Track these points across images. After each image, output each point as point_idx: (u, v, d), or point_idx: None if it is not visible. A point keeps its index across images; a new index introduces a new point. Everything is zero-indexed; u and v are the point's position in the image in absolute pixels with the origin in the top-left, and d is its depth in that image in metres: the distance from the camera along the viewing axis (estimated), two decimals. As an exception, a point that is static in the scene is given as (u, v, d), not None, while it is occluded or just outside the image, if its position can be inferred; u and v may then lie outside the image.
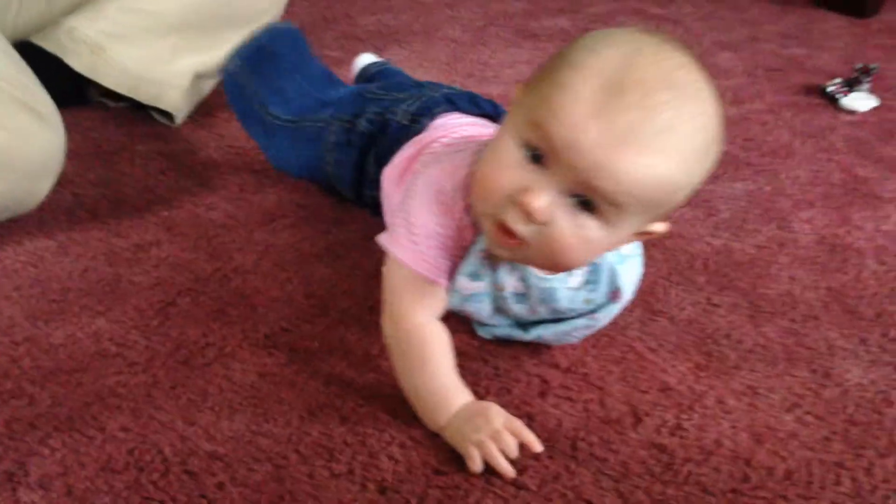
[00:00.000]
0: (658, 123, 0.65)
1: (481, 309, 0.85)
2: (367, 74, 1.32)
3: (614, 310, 0.85)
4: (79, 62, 1.26)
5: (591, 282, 0.82)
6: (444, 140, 0.90)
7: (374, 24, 1.80)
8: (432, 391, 0.80)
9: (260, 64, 1.15)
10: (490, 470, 0.75)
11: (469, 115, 1.00)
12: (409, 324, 0.81)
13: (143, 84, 1.29)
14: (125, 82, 1.28)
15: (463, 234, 0.79)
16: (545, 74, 0.69)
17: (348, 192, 1.06)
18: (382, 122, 1.00)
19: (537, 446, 0.76)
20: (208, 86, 1.40)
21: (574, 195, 0.67)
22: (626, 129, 0.64)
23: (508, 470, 0.75)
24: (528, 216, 0.68)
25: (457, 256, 0.81)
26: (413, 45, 1.69)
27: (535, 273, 0.80)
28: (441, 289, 0.82)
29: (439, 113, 0.98)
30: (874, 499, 0.76)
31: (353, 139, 1.01)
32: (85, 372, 0.85)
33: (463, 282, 0.81)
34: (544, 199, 0.67)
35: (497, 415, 0.78)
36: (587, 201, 0.67)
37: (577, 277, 0.81)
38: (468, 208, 0.78)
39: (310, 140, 1.06)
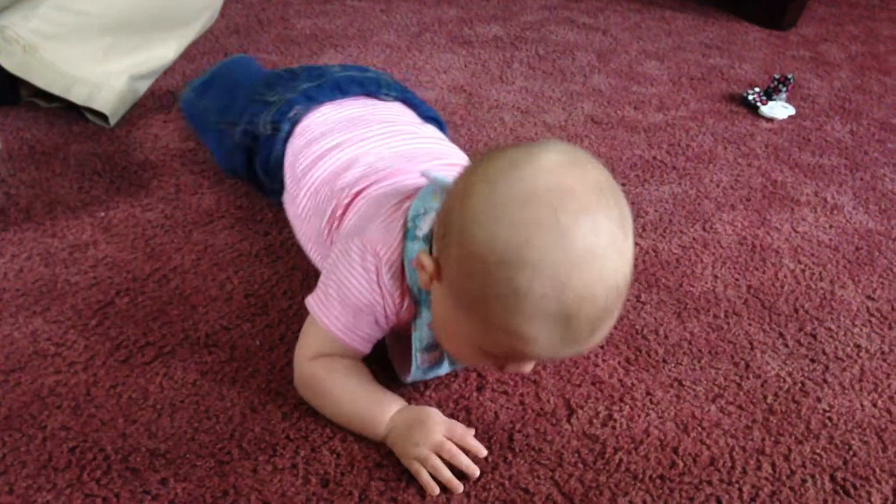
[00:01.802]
0: (604, 306, 0.65)
1: (441, 371, 0.85)
2: None
3: None
4: (10, 61, 1.24)
5: None
6: (370, 194, 0.87)
7: (309, 28, 1.80)
8: (353, 414, 0.80)
9: (209, 88, 1.23)
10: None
11: (339, 103, 1.02)
12: (310, 364, 0.82)
13: (76, 84, 1.27)
14: (58, 82, 1.27)
15: (398, 309, 0.79)
16: (482, 306, 0.66)
17: (261, 190, 1.12)
18: (253, 132, 1.03)
19: (481, 451, 0.78)
20: (143, 87, 1.39)
21: None
22: (588, 331, 0.66)
23: (456, 484, 0.75)
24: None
25: (386, 326, 0.81)
26: (348, 50, 1.70)
27: None
28: (359, 353, 0.83)
29: (298, 116, 1.00)
30: (793, 483, 0.80)
31: (239, 145, 1.05)
32: (23, 371, 0.84)
33: (422, 357, 0.81)
34: (530, 367, 0.75)
35: (437, 423, 0.78)
36: None
37: None
38: (402, 287, 0.78)
39: (225, 142, 1.11)
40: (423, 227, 0.75)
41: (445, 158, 0.93)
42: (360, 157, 0.92)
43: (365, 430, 0.80)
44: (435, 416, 0.79)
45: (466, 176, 0.69)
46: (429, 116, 1.08)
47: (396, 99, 1.06)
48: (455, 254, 0.67)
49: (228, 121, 1.09)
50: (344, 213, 0.87)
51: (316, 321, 0.81)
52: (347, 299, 0.78)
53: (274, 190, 1.03)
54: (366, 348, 0.82)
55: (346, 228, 0.85)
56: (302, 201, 0.94)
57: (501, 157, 0.67)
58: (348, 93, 1.04)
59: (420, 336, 0.80)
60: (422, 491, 0.75)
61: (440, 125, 1.09)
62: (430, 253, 0.73)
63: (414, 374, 0.82)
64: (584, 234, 0.63)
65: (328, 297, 0.80)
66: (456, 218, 0.67)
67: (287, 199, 0.99)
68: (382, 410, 0.79)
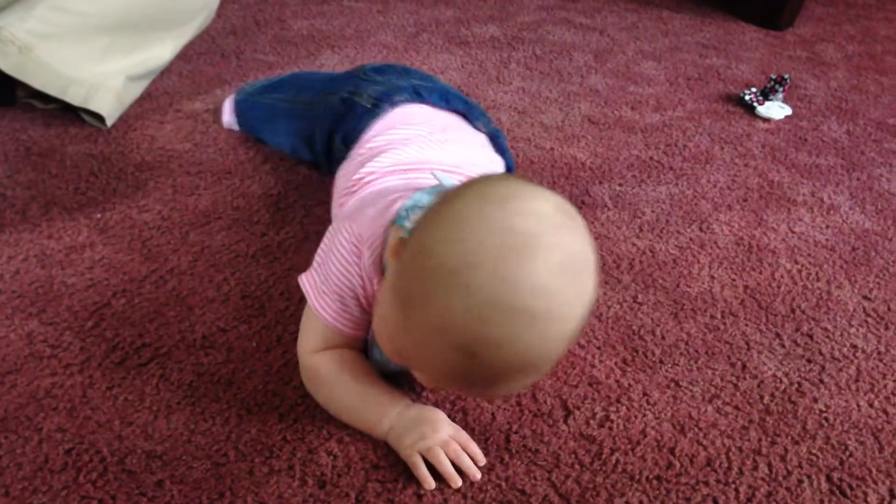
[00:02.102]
0: (513, 367, 0.64)
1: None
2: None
3: None
4: (6, 62, 1.23)
5: None
6: (374, 185, 0.90)
7: (307, 29, 1.80)
8: (359, 408, 0.80)
9: (277, 89, 1.29)
10: (428, 465, 0.77)
11: (437, 109, 1.04)
12: (313, 358, 0.82)
13: (72, 85, 1.27)
14: (54, 83, 1.26)
15: (367, 287, 0.80)
16: (412, 297, 0.65)
17: (325, 165, 1.13)
18: (350, 102, 1.05)
19: (481, 459, 0.78)
20: (140, 88, 1.39)
21: None
22: (489, 386, 0.66)
23: (457, 478, 0.76)
24: None
25: (362, 309, 0.81)
26: (346, 50, 1.70)
27: None
28: (358, 340, 0.83)
29: (400, 101, 1.02)
30: (789, 483, 0.80)
31: (327, 113, 1.07)
32: (18, 373, 0.84)
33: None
34: (430, 383, 0.74)
35: (445, 423, 0.79)
36: None
37: None
38: (380, 273, 0.78)
39: (301, 116, 1.14)
40: (412, 220, 0.75)
41: None
42: (410, 157, 0.93)
43: (368, 424, 0.80)
44: (443, 417, 0.80)
45: (466, 183, 0.68)
46: (507, 165, 1.07)
47: (487, 133, 1.08)
48: (409, 245, 0.66)
49: (329, 90, 1.12)
50: (351, 196, 0.89)
51: (309, 309, 0.82)
52: (331, 280, 0.80)
53: (335, 161, 1.04)
54: (358, 332, 0.82)
55: (345, 209, 0.88)
56: (346, 167, 0.97)
57: (507, 184, 0.66)
58: (450, 104, 1.07)
59: None
60: (419, 492, 0.75)
61: None
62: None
63: (374, 356, 0.83)
64: (525, 290, 0.60)
65: (317, 277, 0.81)
66: (430, 214, 0.67)
67: (340, 170, 1.00)
68: (388, 407, 0.80)
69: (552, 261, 0.61)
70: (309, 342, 0.83)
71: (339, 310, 0.80)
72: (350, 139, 1.02)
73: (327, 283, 0.80)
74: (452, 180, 0.82)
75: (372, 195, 0.87)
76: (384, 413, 0.79)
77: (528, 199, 0.63)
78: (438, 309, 0.61)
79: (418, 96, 1.04)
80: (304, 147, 1.19)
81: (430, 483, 0.75)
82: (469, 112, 1.07)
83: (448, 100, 1.06)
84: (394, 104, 1.02)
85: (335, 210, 0.96)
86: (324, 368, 0.81)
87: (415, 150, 0.94)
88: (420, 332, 0.64)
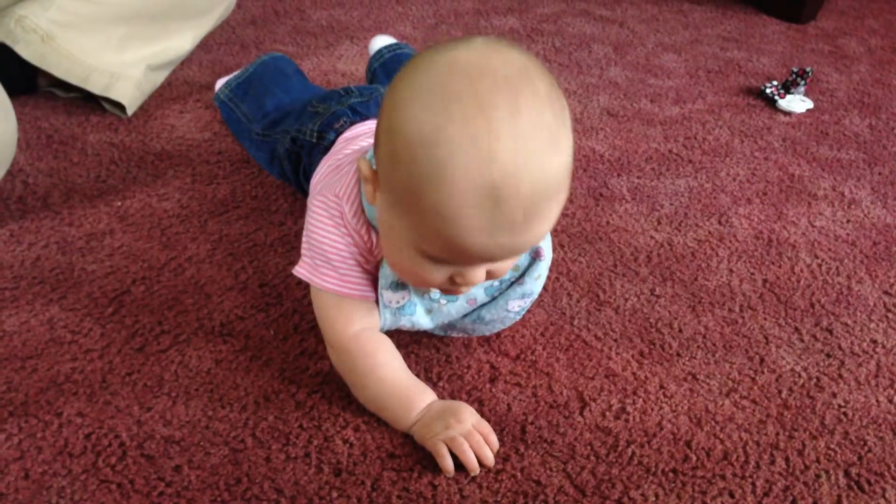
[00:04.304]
0: (535, 187, 0.63)
1: (416, 318, 0.84)
2: (375, 62, 1.40)
3: (540, 270, 0.85)
4: (28, 51, 1.24)
5: None
6: (337, 156, 0.91)
7: (325, 20, 1.80)
8: (391, 396, 0.81)
9: (247, 90, 1.27)
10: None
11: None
12: (346, 342, 0.82)
13: (93, 74, 1.28)
14: (76, 72, 1.27)
15: (369, 246, 0.80)
16: (411, 193, 0.65)
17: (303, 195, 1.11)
18: (300, 141, 1.04)
19: (496, 447, 0.79)
20: (161, 77, 1.40)
21: None
22: (522, 215, 0.64)
23: (475, 464, 0.76)
24: (470, 286, 0.74)
25: (369, 267, 0.81)
26: (364, 41, 1.70)
27: None
28: (371, 303, 0.82)
29: (342, 127, 1.01)
30: (806, 478, 0.80)
31: (288, 154, 1.06)
32: (39, 358, 0.85)
33: (388, 295, 0.82)
34: (480, 276, 0.72)
35: (470, 414, 0.80)
36: None
37: None
38: (366, 223, 0.78)
39: (272, 152, 1.12)
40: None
41: None
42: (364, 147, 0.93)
43: (395, 416, 0.80)
44: (467, 408, 0.80)
45: (396, 76, 0.68)
46: None
47: None
48: (384, 150, 0.66)
49: (281, 130, 1.11)
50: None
51: (316, 290, 0.82)
52: (325, 252, 0.79)
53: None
54: (368, 294, 0.82)
55: (312, 191, 0.88)
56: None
57: (426, 51, 0.67)
58: None
59: (385, 273, 0.80)
60: (433, 481, 0.76)
61: None
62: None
63: (383, 317, 0.83)
64: (507, 107, 0.61)
65: (310, 258, 0.81)
66: (384, 116, 0.66)
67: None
68: (417, 401, 0.80)
69: (507, 72, 0.63)
70: (334, 323, 0.82)
71: (341, 275, 0.80)
72: (308, 174, 1.02)
73: (321, 256, 0.80)
74: None
75: (331, 170, 0.88)
76: (412, 407, 0.80)
77: (463, 43, 0.65)
78: (444, 172, 0.61)
79: (357, 114, 1.03)
80: (283, 179, 1.17)
81: (451, 469, 0.76)
82: None
83: None
84: (337, 132, 1.01)
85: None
86: (360, 355, 0.81)
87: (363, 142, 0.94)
88: (439, 207, 0.63)
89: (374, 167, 0.72)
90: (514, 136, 0.61)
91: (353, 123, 1.01)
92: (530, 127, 0.62)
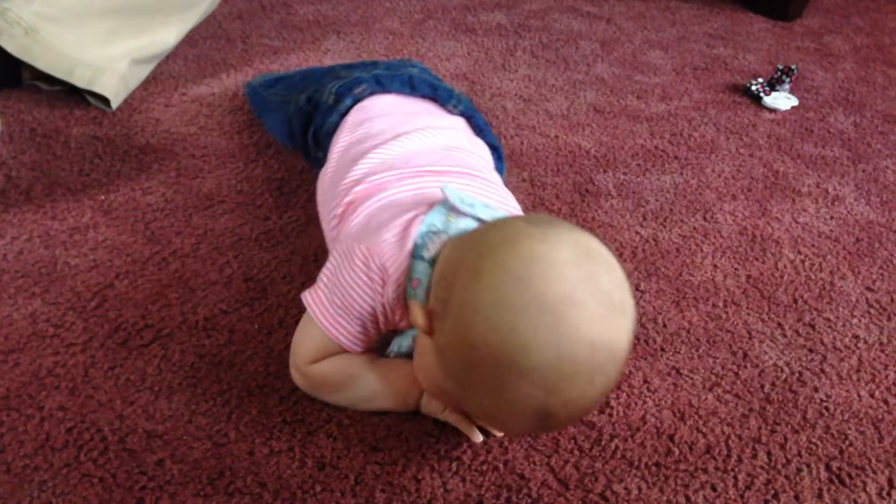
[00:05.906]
0: (587, 408, 0.70)
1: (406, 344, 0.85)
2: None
3: None
4: (12, 44, 1.23)
5: None
6: (384, 198, 0.85)
7: (312, 14, 1.80)
8: (385, 389, 0.80)
9: (279, 79, 1.32)
10: (426, 446, 0.78)
11: (401, 96, 1.04)
12: (317, 368, 0.80)
13: (77, 68, 1.27)
14: (60, 65, 1.26)
15: (388, 314, 0.78)
16: (469, 381, 0.67)
17: (306, 162, 1.16)
18: (315, 100, 1.05)
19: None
20: (145, 71, 1.39)
21: None
22: (566, 422, 0.71)
23: (479, 435, 0.79)
24: None
25: (378, 331, 0.80)
26: (351, 37, 1.70)
27: None
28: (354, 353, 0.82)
29: (361, 94, 1.02)
30: (788, 471, 0.80)
31: (300, 111, 1.08)
32: (21, 352, 0.85)
33: (405, 342, 0.82)
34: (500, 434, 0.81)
35: None
36: None
37: None
38: (402, 305, 0.76)
39: (285, 112, 1.15)
40: (431, 249, 0.74)
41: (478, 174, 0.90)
42: (395, 156, 0.90)
43: (398, 399, 0.80)
44: None
45: (481, 254, 0.67)
46: (488, 142, 1.05)
47: (462, 114, 1.06)
48: (449, 328, 0.67)
49: (298, 90, 1.14)
50: (352, 209, 0.85)
51: (313, 322, 0.79)
52: (348, 305, 0.77)
53: (318, 159, 1.05)
54: (359, 349, 0.80)
55: (352, 226, 0.83)
56: (326, 174, 0.96)
57: (518, 247, 0.66)
58: (417, 90, 1.06)
59: (400, 343, 0.81)
60: (417, 475, 0.76)
61: (498, 156, 1.07)
62: (427, 300, 0.72)
63: (390, 351, 0.83)
64: (583, 351, 0.62)
65: (327, 298, 0.78)
66: (458, 294, 0.66)
67: (320, 176, 0.99)
68: (413, 377, 0.79)
69: (592, 312, 0.63)
70: (307, 353, 0.80)
71: (358, 333, 0.78)
72: (318, 137, 1.03)
73: (345, 308, 0.77)
74: (457, 191, 0.79)
75: (379, 211, 0.83)
76: (412, 382, 0.79)
77: (548, 256, 0.64)
78: (505, 394, 0.64)
79: (379, 85, 1.03)
80: (291, 141, 1.19)
81: (479, 436, 0.79)
82: (437, 96, 1.06)
83: (414, 86, 1.05)
84: (355, 97, 1.02)
85: (330, 227, 0.90)
86: (332, 372, 0.80)
87: (397, 147, 0.91)
88: (490, 410, 0.68)
89: (423, 299, 0.73)
90: (582, 374, 0.63)
91: (372, 93, 1.02)
92: (600, 366, 0.64)
